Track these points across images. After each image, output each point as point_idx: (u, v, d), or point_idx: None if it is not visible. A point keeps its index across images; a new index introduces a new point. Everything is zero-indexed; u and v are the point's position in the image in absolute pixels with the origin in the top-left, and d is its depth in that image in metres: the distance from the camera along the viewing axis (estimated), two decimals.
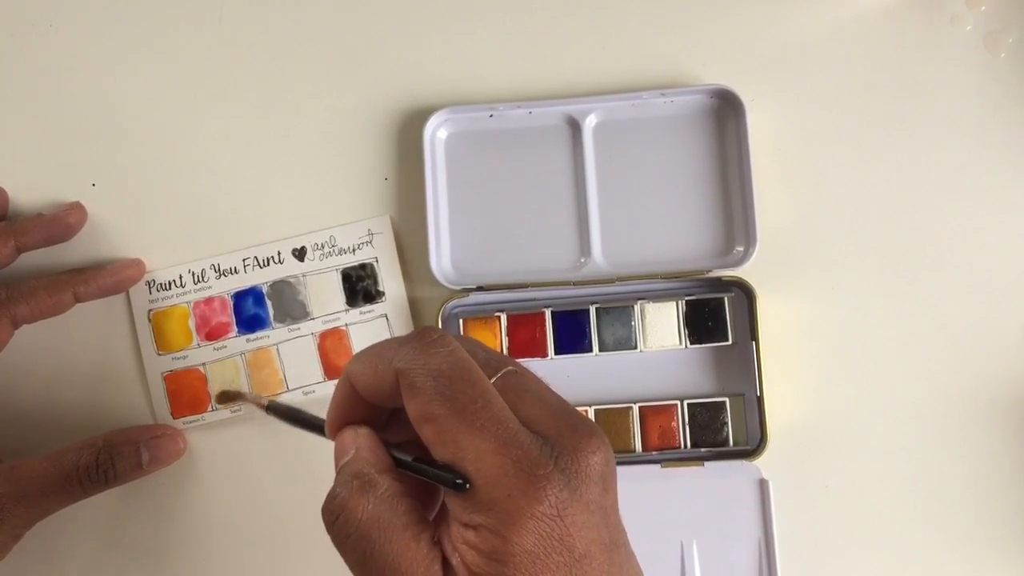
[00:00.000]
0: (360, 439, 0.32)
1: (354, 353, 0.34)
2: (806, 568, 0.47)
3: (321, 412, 0.48)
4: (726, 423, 0.47)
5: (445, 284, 0.47)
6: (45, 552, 0.48)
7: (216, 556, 0.49)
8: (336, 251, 0.49)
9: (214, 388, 0.49)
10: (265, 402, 0.36)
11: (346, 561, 0.30)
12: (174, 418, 0.49)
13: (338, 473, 0.31)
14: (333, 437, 0.33)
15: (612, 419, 0.47)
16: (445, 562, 0.29)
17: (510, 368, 0.30)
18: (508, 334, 0.48)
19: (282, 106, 0.50)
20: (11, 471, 0.44)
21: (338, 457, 0.32)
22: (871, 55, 0.49)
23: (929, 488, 0.48)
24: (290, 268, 0.49)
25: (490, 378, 0.30)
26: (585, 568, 0.27)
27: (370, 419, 0.32)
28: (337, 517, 0.30)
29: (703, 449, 0.47)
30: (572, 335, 0.48)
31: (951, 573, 0.47)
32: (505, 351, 0.47)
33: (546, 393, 0.31)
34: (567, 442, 0.28)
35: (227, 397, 0.46)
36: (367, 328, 0.48)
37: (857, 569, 0.47)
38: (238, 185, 0.50)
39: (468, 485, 0.28)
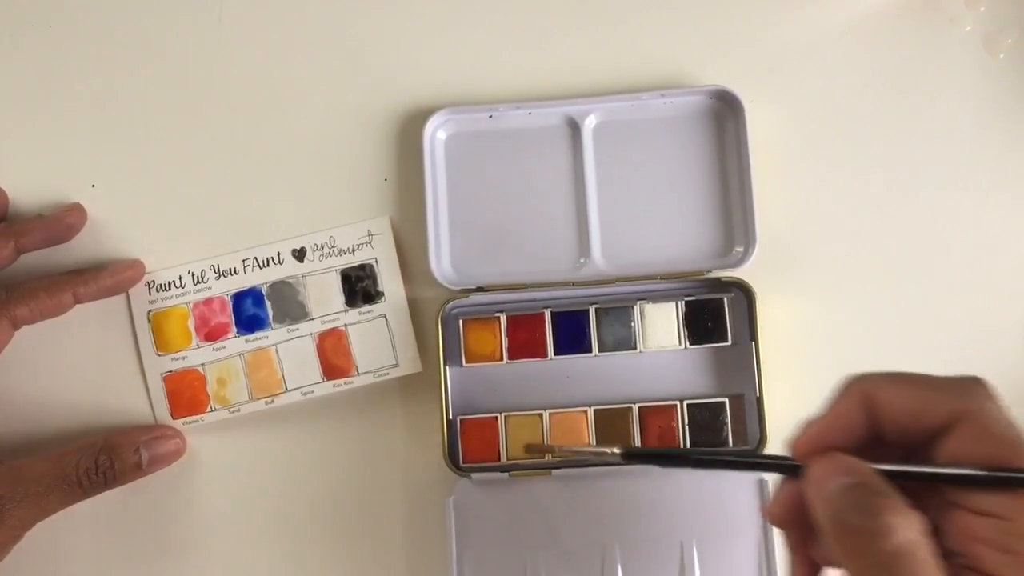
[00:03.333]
0: (861, 468, 0.30)
1: (873, 372, 0.33)
2: None
3: (322, 412, 0.49)
4: (726, 424, 0.47)
5: (445, 285, 0.47)
6: (45, 552, 0.48)
7: (216, 556, 0.49)
8: (336, 252, 0.49)
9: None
10: (619, 451, 0.34)
11: (852, 568, 0.29)
12: (174, 418, 0.49)
13: (848, 489, 0.30)
14: (806, 456, 0.32)
15: (612, 420, 0.47)
16: None
17: None
18: (508, 335, 0.48)
19: (282, 107, 0.50)
20: (11, 472, 0.44)
21: (831, 475, 0.30)
22: (870, 56, 0.49)
23: None
24: (289, 269, 0.49)
25: None
26: None
27: (848, 448, 0.31)
28: (875, 519, 0.28)
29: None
30: (572, 336, 0.48)
31: None
32: (505, 352, 0.47)
33: None
34: None
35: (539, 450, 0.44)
36: (366, 328, 0.48)
37: None
38: (238, 186, 0.50)
39: None
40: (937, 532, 0.29)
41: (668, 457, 0.37)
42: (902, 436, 0.31)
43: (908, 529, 0.28)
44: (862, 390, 0.32)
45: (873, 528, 0.29)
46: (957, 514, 0.30)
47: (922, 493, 0.31)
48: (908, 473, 0.31)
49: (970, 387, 0.31)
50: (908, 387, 0.31)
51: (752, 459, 0.37)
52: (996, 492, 0.29)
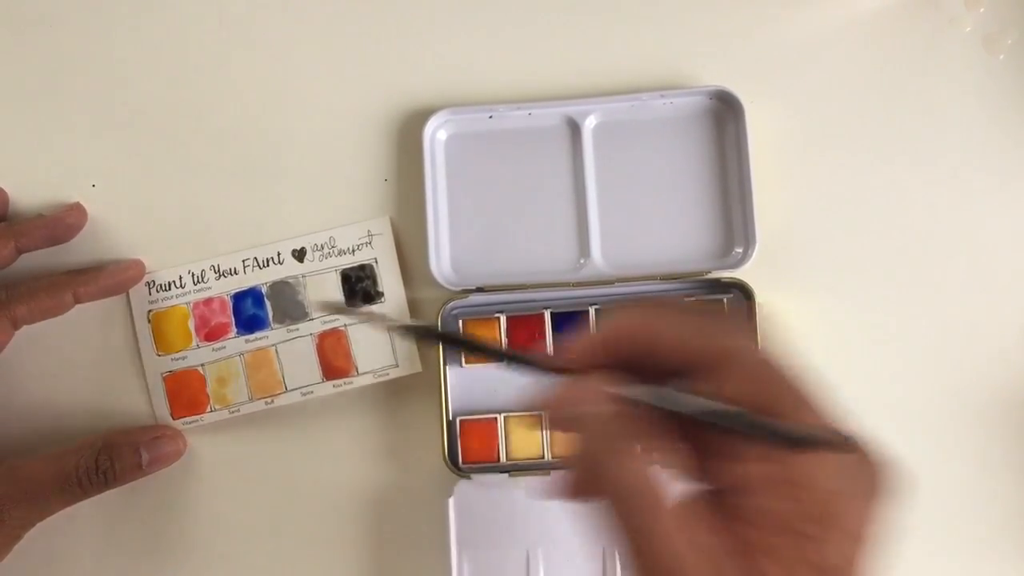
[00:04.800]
0: (618, 396, 0.29)
1: (640, 307, 0.31)
2: None
3: (322, 412, 0.49)
4: None
5: (445, 285, 0.47)
6: (45, 552, 0.48)
7: (216, 556, 0.49)
8: (336, 252, 0.49)
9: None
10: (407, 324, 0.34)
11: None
12: (174, 419, 0.49)
13: (595, 418, 0.29)
14: (576, 367, 0.31)
15: None
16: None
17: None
18: (508, 335, 0.48)
19: (282, 106, 0.50)
20: (11, 472, 0.44)
21: (588, 397, 0.29)
22: (870, 57, 0.49)
23: (928, 488, 0.47)
24: (289, 269, 0.49)
25: None
26: None
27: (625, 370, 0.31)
28: (611, 454, 0.28)
29: None
30: (572, 336, 0.48)
31: (951, 573, 0.47)
32: None
33: None
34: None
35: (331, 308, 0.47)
36: (366, 328, 0.48)
37: None
38: (238, 186, 0.50)
39: (852, 442, 0.27)
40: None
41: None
42: (677, 367, 0.30)
43: (640, 466, 0.28)
44: (630, 321, 0.30)
45: (607, 463, 0.28)
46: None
47: (699, 431, 0.30)
48: (665, 403, 0.30)
49: (734, 332, 0.30)
50: (672, 318, 0.30)
51: (526, 358, 0.34)
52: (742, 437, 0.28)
